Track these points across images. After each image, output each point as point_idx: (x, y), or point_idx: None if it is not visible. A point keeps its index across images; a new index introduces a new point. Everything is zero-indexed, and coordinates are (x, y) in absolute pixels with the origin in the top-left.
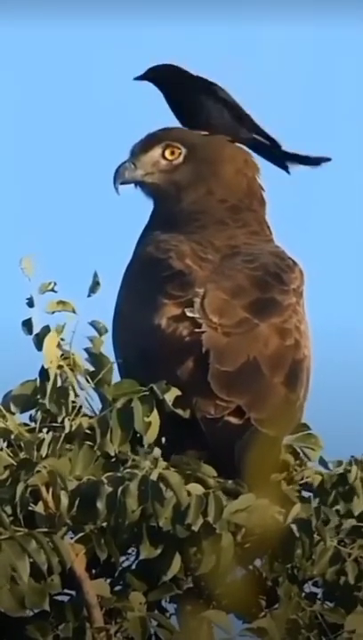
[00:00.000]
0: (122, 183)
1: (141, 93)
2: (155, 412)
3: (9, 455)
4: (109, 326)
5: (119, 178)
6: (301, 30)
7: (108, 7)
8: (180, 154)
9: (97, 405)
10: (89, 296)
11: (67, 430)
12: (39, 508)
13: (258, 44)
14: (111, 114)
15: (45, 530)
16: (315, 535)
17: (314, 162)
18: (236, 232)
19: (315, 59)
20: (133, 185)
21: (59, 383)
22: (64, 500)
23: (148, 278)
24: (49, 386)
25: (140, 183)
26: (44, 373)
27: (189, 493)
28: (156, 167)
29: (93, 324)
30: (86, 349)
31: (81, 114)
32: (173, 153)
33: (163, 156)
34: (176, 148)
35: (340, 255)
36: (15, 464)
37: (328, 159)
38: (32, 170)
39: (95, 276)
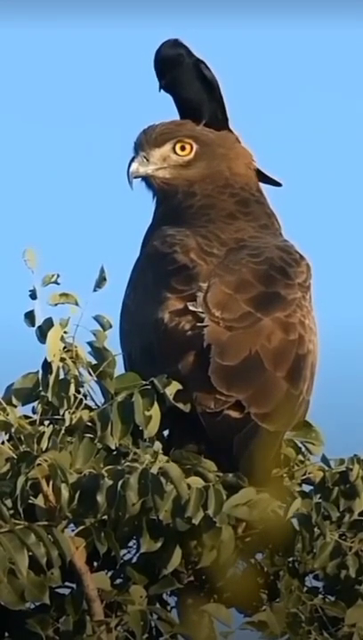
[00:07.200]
0: (135, 177)
1: (141, 89)
2: (155, 405)
3: (10, 448)
4: (115, 321)
5: (133, 172)
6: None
7: (108, 7)
8: (191, 149)
9: (100, 398)
10: (95, 291)
11: (67, 423)
12: (39, 501)
13: (258, 44)
14: (116, 107)
15: (45, 523)
16: (315, 529)
17: (271, 182)
18: (244, 225)
19: (314, 59)
20: (140, 179)
21: (61, 376)
22: (64, 494)
23: (153, 272)
24: (51, 378)
25: (150, 177)
26: (46, 366)
27: (189, 487)
28: (167, 162)
29: (98, 319)
30: (89, 343)
31: (88, 106)
32: (183, 148)
33: (174, 151)
34: (187, 144)
35: (350, 250)
36: (16, 457)
37: (279, 184)
38: (37, 167)
39: (102, 271)
